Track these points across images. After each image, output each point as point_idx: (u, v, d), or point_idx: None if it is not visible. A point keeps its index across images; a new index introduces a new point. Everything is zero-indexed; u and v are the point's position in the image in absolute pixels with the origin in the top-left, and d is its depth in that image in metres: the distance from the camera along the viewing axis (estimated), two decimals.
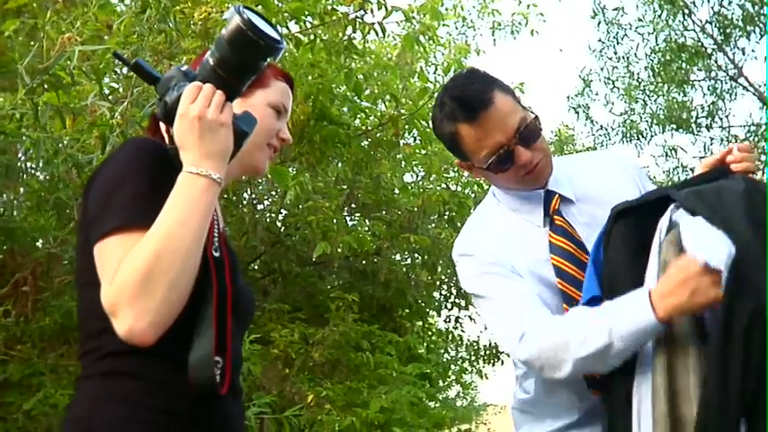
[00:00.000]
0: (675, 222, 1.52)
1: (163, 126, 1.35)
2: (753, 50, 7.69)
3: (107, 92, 3.59)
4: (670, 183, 8.85)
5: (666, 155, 8.70)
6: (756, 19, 7.14)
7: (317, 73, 4.85)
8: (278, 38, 1.29)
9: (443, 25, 8.22)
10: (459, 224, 7.40)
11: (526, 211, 1.78)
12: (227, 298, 1.28)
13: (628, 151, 8.56)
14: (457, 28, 9.02)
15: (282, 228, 6.74)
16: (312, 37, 4.62)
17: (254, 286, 6.95)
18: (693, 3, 7.51)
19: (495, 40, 8.76)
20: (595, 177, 1.81)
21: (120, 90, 3.66)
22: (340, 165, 5.71)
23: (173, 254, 1.19)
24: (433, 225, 7.16)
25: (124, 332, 1.17)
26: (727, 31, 7.38)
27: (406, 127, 5.47)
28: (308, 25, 4.63)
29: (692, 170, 9.08)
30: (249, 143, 1.36)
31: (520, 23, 8.63)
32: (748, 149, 1.62)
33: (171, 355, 1.23)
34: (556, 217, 1.74)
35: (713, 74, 8.01)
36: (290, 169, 5.75)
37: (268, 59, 1.32)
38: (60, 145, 2.66)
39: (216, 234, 1.33)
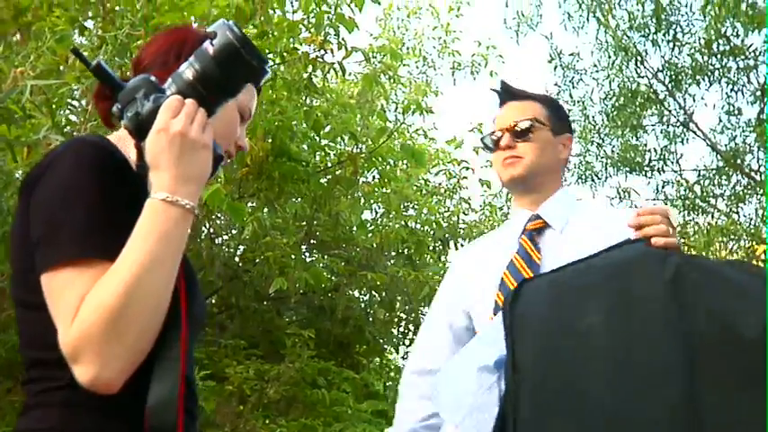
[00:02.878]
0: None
1: (128, 138, 1.20)
2: (702, 98, 7.99)
3: (63, 124, 3.60)
4: None
5: (620, 196, 8.91)
6: (705, 68, 7.44)
7: (277, 110, 4.89)
8: (267, 60, 1.19)
9: (404, 65, 8.37)
10: (417, 262, 7.46)
11: (515, 225, 1.93)
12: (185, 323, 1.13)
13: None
14: (418, 67, 9.17)
15: (240, 263, 6.71)
16: (273, 75, 4.68)
17: (210, 321, 6.90)
18: (646, 51, 7.79)
19: (455, 80, 8.93)
20: (593, 227, 1.85)
21: (77, 122, 3.67)
22: (298, 201, 5.73)
23: (146, 294, 1.05)
24: (392, 262, 7.19)
25: (88, 380, 1.04)
26: (678, 78, 7.66)
27: (365, 165, 5.53)
28: (269, 63, 4.69)
29: None
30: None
31: (479, 64, 8.81)
32: (650, 212, 1.51)
33: (136, 390, 1.08)
34: (523, 238, 1.87)
35: (665, 119, 8.28)
36: (249, 205, 5.78)
37: (252, 83, 1.24)
38: (13, 178, 2.65)
39: None
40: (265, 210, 6.27)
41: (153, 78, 1.18)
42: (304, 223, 6.26)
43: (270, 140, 4.85)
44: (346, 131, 5.22)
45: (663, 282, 1.39)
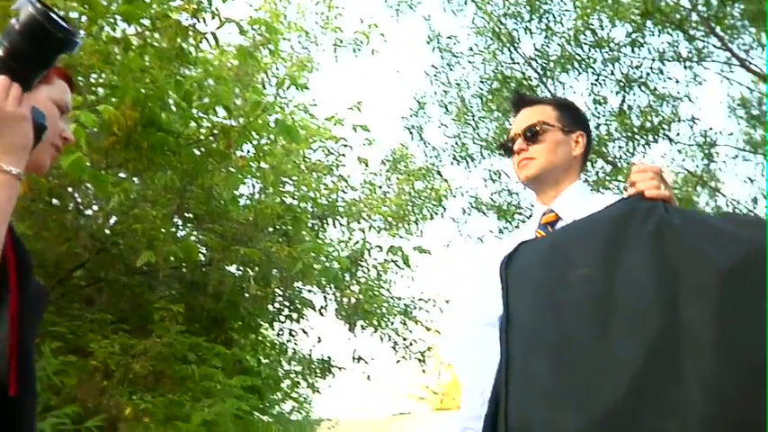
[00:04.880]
0: None
1: None
2: (571, 86, 8.37)
3: None
4: (495, 204, 9.39)
5: (492, 178, 9.22)
6: (573, 57, 7.78)
7: (148, 79, 4.75)
8: (74, 30, 1.24)
9: (285, 39, 8.29)
10: (293, 238, 7.45)
11: (533, 221, 2.05)
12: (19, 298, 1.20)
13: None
14: (300, 42, 9.09)
15: (110, 235, 6.50)
16: (143, 42, 4.55)
17: (76, 294, 6.66)
18: (519, 38, 8.05)
19: (336, 56, 8.92)
20: None
21: None
22: (169, 173, 5.60)
23: None
24: (268, 238, 7.15)
25: None
26: (549, 66, 7.97)
27: (240, 139, 5.45)
28: (141, 29, 4.55)
29: (516, 194, 9.71)
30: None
31: (361, 42, 8.83)
32: (642, 170, 1.62)
33: None
34: (538, 231, 1.98)
35: None
36: (118, 175, 5.59)
37: (64, 53, 1.27)
38: None
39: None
40: (135, 180, 6.10)
41: None
42: (175, 196, 6.12)
43: (139, 110, 4.71)
44: (220, 104, 5.13)
45: (648, 230, 1.49)
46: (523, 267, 1.63)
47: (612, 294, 1.46)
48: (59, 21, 1.20)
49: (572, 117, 2.09)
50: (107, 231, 6.51)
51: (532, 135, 2.00)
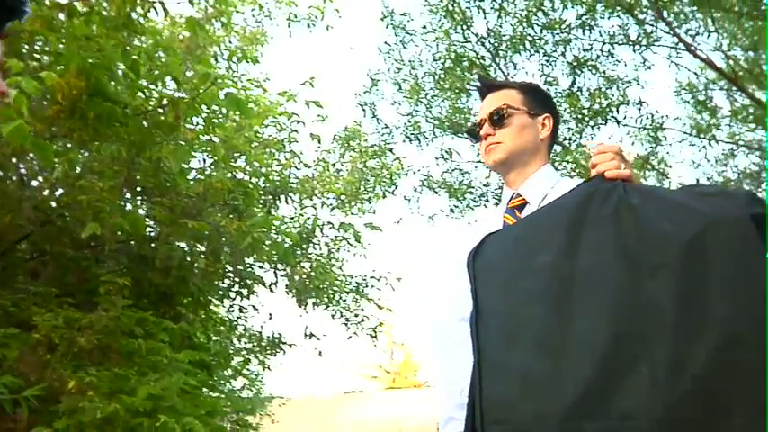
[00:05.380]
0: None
1: None
2: (523, 67, 8.45)
3: None
4: (447, 183, 9.47)
5: (443, 157, 9.28)
6: (525, 38, 7.86)
7: (95, 48, 4.66)
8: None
9: (238, 12, 8.19)
10: (244, 213, 7.41)
11: (502, 206, 2.07)
12: None
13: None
14: (253, 16, 8.97)
15: (56, 207, 6.38)
16: (89, 9, 4.46)
17: (21, 267, 6.54)
18: (472, 18, 8.09)
19: (290, 31, 8.83)
20: None
21: None
22: (116, 144, 5.51)
23: None
24: (218, 213, 7.10)
25: None
26: (502, 46, 8.04)
27: (189, 111, 5.38)
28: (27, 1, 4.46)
29: (467, 173, 9.81)
30: None
31: (316, 17, 8.75)
32: (601, 151, 1.65)
33: None
34: (506, 215, 2.00)
35: None
36: (63, 145, 5.49)
37: (13, 20, 1.27)
38: None
39: None
40: (83, 152, 5.99)
41: None
42: (123, 168, 6.02)
43: (85, 79, 4.62)
44: (169, 75, 5.06)
45: (608, 211, 1.54)
46: (490, 259, 1.68)
47: (576, 279, 1.51)
48: None
49: (538, 100, 2.12)
50: (52, 203, 6.39)
51: (498, 119, 2.03)
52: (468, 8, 7.99)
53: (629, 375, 1.40)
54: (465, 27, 8.18)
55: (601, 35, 8.12)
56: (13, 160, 5.87)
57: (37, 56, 4.54)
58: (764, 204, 1.51)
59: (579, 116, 8.26)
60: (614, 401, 1.39)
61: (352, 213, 9.84)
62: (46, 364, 5.44)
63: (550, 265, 1.54)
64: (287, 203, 8.58)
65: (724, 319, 1.38)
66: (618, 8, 7.77)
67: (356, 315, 9.93)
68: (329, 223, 8.76)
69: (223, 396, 10.39)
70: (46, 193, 6.44)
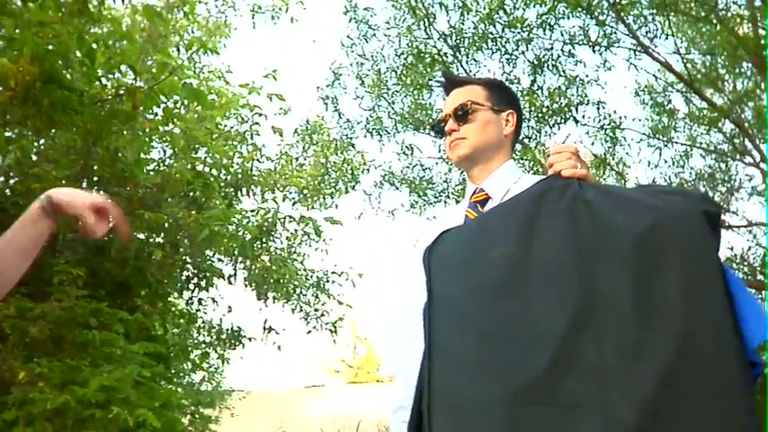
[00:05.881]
0: None
1: None
2: (485, 65, 8.51)
3: None
4: (408, 179, 9.52)
5: (405, 153, 9.31)
6: (487, 36, 7.93)
7: (51, 34, 4.60)
8: None
9: (201, 2, 8.14)
10: (203, 205, 7.37)
11: (465, 201, 2.09)
12: None
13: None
14: (216, 6, 8.93)
15: (10, 194, 6.28)
16: None
17: None
18: (434, 14, 8.14)
19: (254, 23, 8.80)
20: None
21: None
22: (72, 132, 5.45)
23: None
24: (177, 205, 7.04)
25: None
26: (464, 44, 8.09)
27: (147, 101, 5.34)
28: None
29: (428, 169, 9.86)
30: None
31: (280, 9, 8.73)
32: (558, 151, 1.69)
33: None
34: (468, 210, 2.02)
35: None
36: (16, 133, 5.41)
37: None
38: None
39: None
40: (39, 141, 5.91)
41: None
42: (79, 157, 5.96)
43: (39, 65, 4.56)
44: (126, 63, 5.01)
45: (563, 206, 1.58)
46: (446, 252, 1.71)
47: (530, 268, 1.55)
48: None
49: (502, 96, 2.14)
50: (7, 191, 6.30)
51: (463, 114, 2.05)
52: (431, 5, 8.04)
53: (579, 362, 1.43)
54: (427, 24, 8.22)
55: (562, 35, 8.21)
56: None
57: None
58: (717, 205, 1.59)
59: (539, 115, 8.35)
60: (564, 387, 1.42)
61: (314, 208, 9.85)
62: None
63: (506, 255, 1.58)
64: (248, 196, 8.55)
65: (678, 306, 1.43)
66: (578, 9, 7.87)
67: (316, 310, 9.92)
68: (290, 217, 8.75)
69: (181, 389, 10.33)
70: (1, 180, 6.35)
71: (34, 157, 5.79)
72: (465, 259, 1.67)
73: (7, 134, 4.86)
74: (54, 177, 5.31)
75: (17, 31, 4.44)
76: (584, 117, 8.60)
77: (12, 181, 6.33)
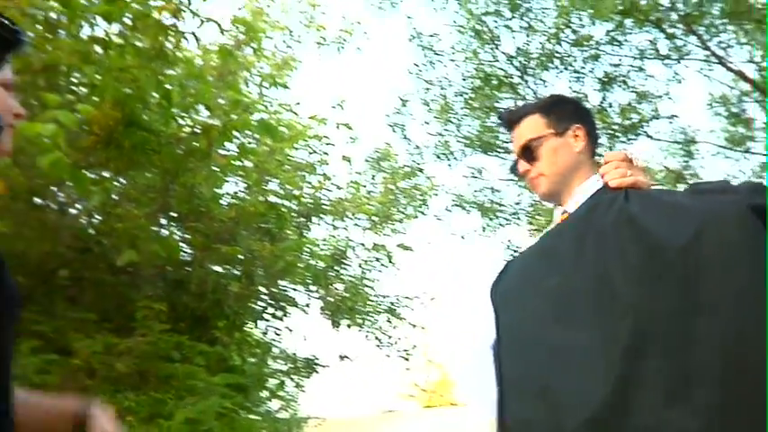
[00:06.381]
0: None
1: None
2: (552, 84, 8.44)
3: None
4: (478, 202, 9.47)
5: (474, 176, 9.27)
6: (553, 55, 7.86)
7: (129, 78, 4.76)
8: (21, 31, 1.30)
9: (268, 38, 8.31)
10: (277, 236, 7.48)
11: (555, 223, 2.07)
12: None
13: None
14: (284, 41, 9.10)
15: (94, 234, 6.50)
16: (123, 41, 4.56)
17: (60, 294, 6.66)
18: (499, 36, 8.12)
19: (320, 55, 8.95)
20: None
21: None
22: (151, 172, 5.62)
23: None
24: (252, 237, 7.17)
25: None
26: (530, 64, 8.05)
27: (221, 138, 5.47)
28: (120, 29, 4.57)
29: (498, 191, 9.78)
30: None
31: (345, 40, 8.85)
32: (607, 160, 1.67)
33: None
34: None
35: (518, 102, 8.67)
36: (102, 174, 5.60)
37: (12, 52, 1.32)
38: None
39: None
40: (119, 180, 6.11)
41: None
42: (158, 195, 6.13)
43: (120, 109, 4.73)
44: (201, 102, 5.15)
45: (608, 225, 1.57)
46: (507, 285, 1.74)
47: (580, 298, 1.54)
48: (7, 23, 1.27)
49: (562, 114, 2.02)
50: (90, 231, 6.51)
51: (529, 153, 1.98)
52: (497, 27, 8.02)
53: (641, 390, 1.40)
54: (493, 46, 8.21)
55: (630, 50, 8.08)
56: (53, 188, 6.00)
57: (74, 88, 4.65)
58: (765, 193, 1.50)
59: (610, 132, 8.21)
60: (629, 417, 1.40)
61: (384, 234, 9.87)
62: (86, 389, 5.53)
63: (556, 283, 1.58)
64: (319, 225, 8.64)
65: (725, 319, 1.39)
66: (647, 23, 7.73)
67: (389, 336, 9.91)
68: (361, 244, 8.80)
69: (259, 418, 10.43)
70: (83, 220, 6.57)
71: (116, 197, 5.97)
72: (521, 290, 1.68)
73: (91, 176, 5.03)
74: (135, 216, 5.46)
75: (97, 76, 4.62)
76: (657, 132, 8.42)
77: (94, 220, 6.55)
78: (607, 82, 8.14)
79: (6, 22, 1.28)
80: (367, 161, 9.91)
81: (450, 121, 9.05)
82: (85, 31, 4.55)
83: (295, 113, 8.39)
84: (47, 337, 5.43)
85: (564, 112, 2.02)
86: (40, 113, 3.76)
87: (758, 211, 1.44)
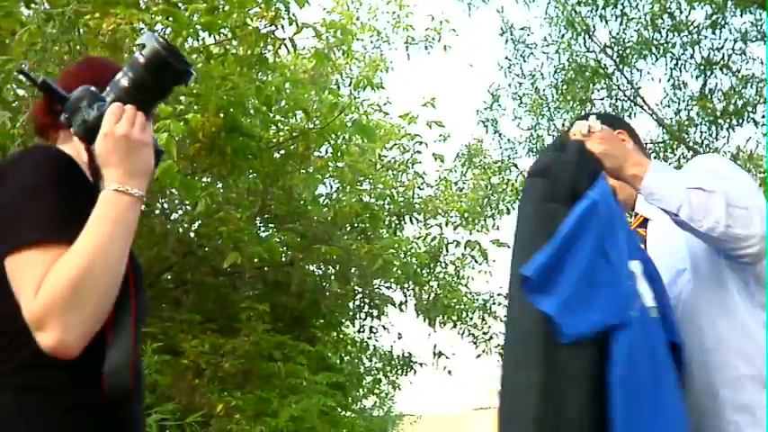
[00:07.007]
0: None
1: (79, 145, 1.35)
2: (649, 72, 8.18)
3: (11, 99, 3.57)
4: None
5: None
6: (650, 43, 7.61)
7: (229, 86, 4.89)
8: (190, 64, 1.36)
9: (358, 39, 8.37)
10: (371, 235, 7.54)
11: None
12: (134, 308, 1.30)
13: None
14: (372, 42, 9.16)
15: (195, 238, 6.71)
16: (224, 50, 4.69)
17: (165, 297, 6.91)
18: (594, 26, 7.91)
19: (408, 54, 8.95)
20: None
21: (26, 96, 3.64)
22: (251, 176, 5.75)
23: (102, 268, 1.20)
24: (347, 237, 7.25)
25: (51, 344, 1.17)
26: (625, 53, 7.82)
27: (318, 140, 5.56)
28: (221, 38, 4.70)
29: None
30: None
31: (433, 39, 8.83)
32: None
33: (76, 367, 1.21)
34: (638, 229, 2.03)
35: (613, 93, 8.44)
36: (202, 180, 5.78)
37: (180, 84, 1.38)
38: None
39: None
40: (219, 185, 6.29)
41: (93, 88, 1.33)
42: (257, 198, 6.28)
43: (222, 116, 4.86)
44: (298, 107, 5.24)
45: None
46: None
47: None
48: (180, 56, 1.33)
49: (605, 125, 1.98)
50: (193, 235, 6.72)
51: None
52: (590, 17, 7.83)
53: None
54: (587, 36, 8.01)
55: (732, 33, 7.73)
56: (156, 195, 6.21)
57: (180, 98, 4.81)
58: None
59: (712, 119, 7.89)
60: None
61: (476, 230, 9.79)
62: (195, 388, 5.71)
63: None
64: (411, 224, 8.65)
65: None
66: (750, 4, 7.39)
67: (484, 333, 9.83)
68: (455, 241, 8.75)
69: (356, 416, 10.54)
70: (186, 225, 6.79)
71: (218, 201, 6.13)
72: None
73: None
74: (237, 219, 5.60)
75: (200, 86, 4.76)
76: (763, 117, 8.04)
77: (197, 224, 6.75)
78: (707, 67, 7.82)
79: (180, 54, 1.34)
80: (458, 158, 9.85)
81: (543, 115, 8.90)
82: (188, 43, 4.70)
83: (386, 113, 8.44)
84: (156, 339, 5.64)
85: (607, 122, 1.97)
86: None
87: None
